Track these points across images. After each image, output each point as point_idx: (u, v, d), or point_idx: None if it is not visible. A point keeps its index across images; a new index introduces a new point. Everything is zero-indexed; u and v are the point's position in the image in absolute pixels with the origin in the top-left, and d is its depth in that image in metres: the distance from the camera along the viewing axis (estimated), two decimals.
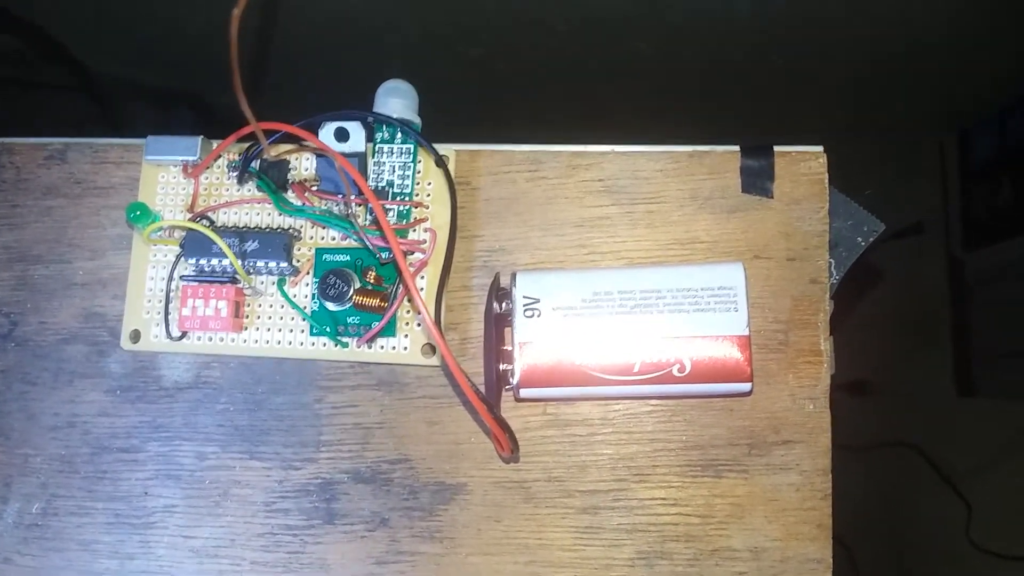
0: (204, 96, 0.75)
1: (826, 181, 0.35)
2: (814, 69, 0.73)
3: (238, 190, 0.36)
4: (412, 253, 0.34)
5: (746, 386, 0.32)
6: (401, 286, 0.34)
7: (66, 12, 0.63)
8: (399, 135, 0.35)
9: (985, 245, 0.91)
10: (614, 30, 0.63)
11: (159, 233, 0.35)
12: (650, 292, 0.32)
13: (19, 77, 0.72)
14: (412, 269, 0.34)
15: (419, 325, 0.34)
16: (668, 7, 0.59)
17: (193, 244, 0.34)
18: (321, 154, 0.35)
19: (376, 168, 0.35)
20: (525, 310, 0.33)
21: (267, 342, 0.35)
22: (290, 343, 0.35)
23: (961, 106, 0.89)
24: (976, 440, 0.93)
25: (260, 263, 0.34)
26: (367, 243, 0.33)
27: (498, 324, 0.34)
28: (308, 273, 0.35)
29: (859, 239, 0.36)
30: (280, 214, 0.35)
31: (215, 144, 0.36)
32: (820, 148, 0.35)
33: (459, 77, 0.70)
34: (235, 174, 0.36)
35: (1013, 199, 0.87)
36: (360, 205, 0.34)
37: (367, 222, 0.34)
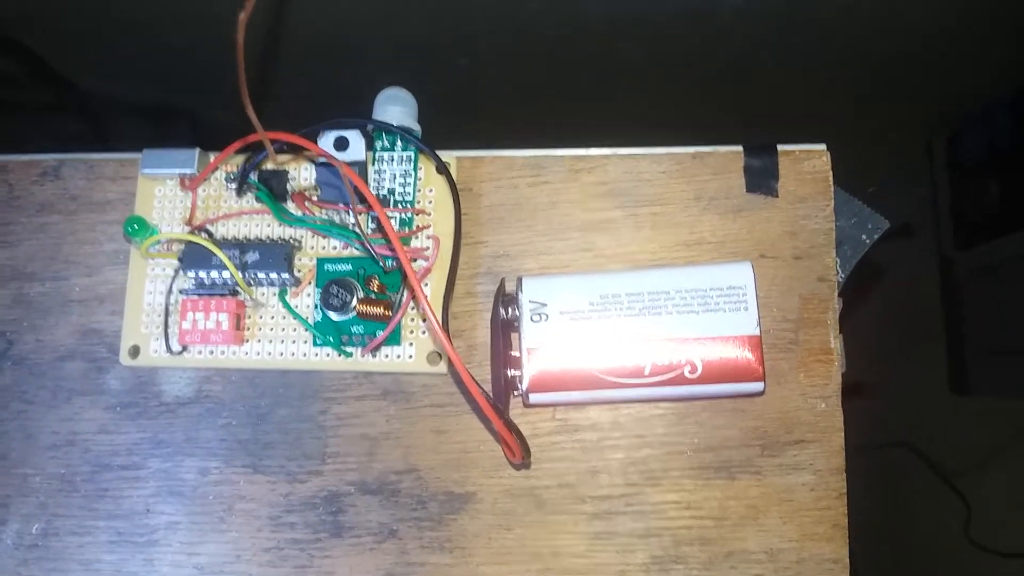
0: (193, 111, 0.75)
1: (830, 179, 0.34)
2: (802, 72, 0.73)
3: (236, 202, 0.36)
4: (415, 260, 0.34)
5: (758, 386, 0.31)
6: (406, 294, 0.33)
7: (51, 30, 0.63)
8: (399, 143, 0.35)
9: (975, 244, 0.92)
10: (602, 35, 0.63)
11: (157, 247, 0.35)
12: (658, 293, 0.32)
13: (5, 98, 0.71)
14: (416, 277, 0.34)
15: (424, 333, 0.34)
16: (656, 11, 0.59)
17: (192, 257, 0.34)
18: (321, 163, 0.34)
19: (377, 176, 0.35)
20: (532, 315, 0.32)
21: (269, 354, 0.34)
22: (293, 354, 0.34)
23: (949, 107, 0.90)
24: (972, 438, 0.93)
25: (261, 274, 0.34)
26: (371, 251, 0.33)
27: (505, 330, 0.33)
28: (310, 283, 0.35)
29: (864, 237, 0.36)
30: (280, 224, 0.35)
31: (212, 156, 0.35)
32: (823, 146, 0.35)
33: (451, 88, 0.69)
34: (233, 186, 0.35)
35: (1002, 198, 0.87)
36: (363, 213, 0.34)
37: (369, 231, 0.34)
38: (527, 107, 0.74)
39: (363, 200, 0.33)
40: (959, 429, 0.94)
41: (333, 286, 0.34)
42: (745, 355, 0.31)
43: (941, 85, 0.80)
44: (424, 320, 0.34)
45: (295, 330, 0.34)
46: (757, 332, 0.31)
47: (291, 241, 0.35)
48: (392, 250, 0.33)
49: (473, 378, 0.28)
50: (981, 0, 0.64)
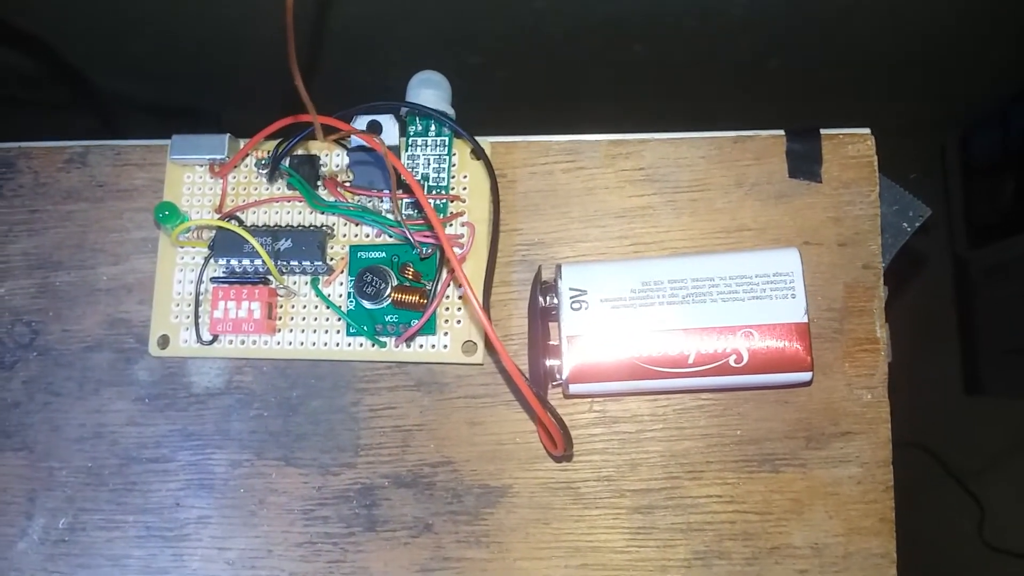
0: (203, 109, 0.74)
1: (875, 164, 0.34)
2: (813, 68, 0.72)
3: (267, 188, 0.35)
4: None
5: (806, 375, 0.31)
6: (441, 282, 0.33)
7: (63, 26, 0.62)
8: (433, 127, 0.34)
9: (989, 243, 0.91)
10: (615, 32, 0.62)
11: (187, 234, 0.34)
12: (703, 280, 0.31)
13: (17, 95, 0.71)
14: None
15: (460, 323, 0.33)
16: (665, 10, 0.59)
17: (223, 244, 0.33)
18: (354, 148, 0.34)
19: (410, 162, 0.34)
20: (572, 303, 0.31)
21: (301, 344, 0.34)
22: (325, 344, 0.34)
23: (963, 104, 0.89)
24: (985, 439, 0.92)
25: (294, 262, 0.33)
26: (410, 237, 0.32)
27: (543, 318, 0.32)
28: (343, 272, 0.34)
29: (905, 224, 0.35)
30: (312, 211, 0.34)
31: (242, 143, 0.35)
32: (867, 130, 0.34)
33: (462, 87, 0.69)
34: (264, 172, 0.34)
35: (1016, 196, 0.87)
36: (399, 200, 0.33)
37: (403, 217, 0.33)
38: (538, 105, 0.74)
39: (400, 185, 0.32)
40: (972, 430, 0.94)
41: (367, 274, 0.33)
42: (793, 344, 0.30)
43: (954, 84, 0.79)
44: (460, 309, 0.33)
45: (328, 319, 0.34)
46: (805, 320, 0.30)
47: (324, 228, 0.34)
48: (429, 236, 0.32)
49: (517, 366, 0.27)
50: None
